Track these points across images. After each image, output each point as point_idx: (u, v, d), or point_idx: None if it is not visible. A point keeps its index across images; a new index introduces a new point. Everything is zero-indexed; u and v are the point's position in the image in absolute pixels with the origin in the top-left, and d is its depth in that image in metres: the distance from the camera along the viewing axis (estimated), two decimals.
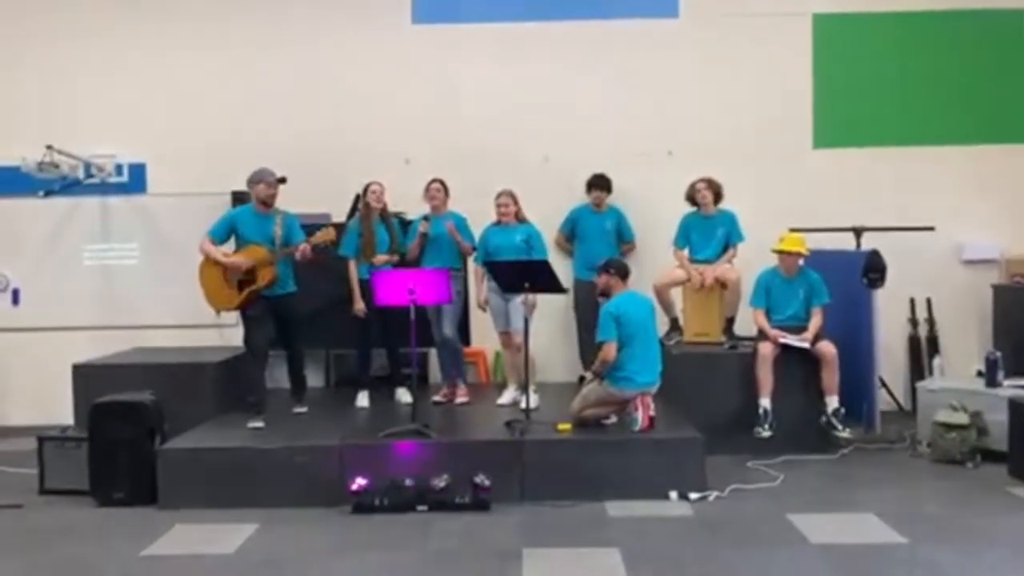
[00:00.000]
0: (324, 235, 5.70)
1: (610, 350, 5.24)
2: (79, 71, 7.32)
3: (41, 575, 4.10)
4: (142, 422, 5.10)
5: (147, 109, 7.30)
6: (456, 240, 6.03)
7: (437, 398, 6.18)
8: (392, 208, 6.31)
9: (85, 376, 6.03)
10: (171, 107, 7.30)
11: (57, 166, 6.81)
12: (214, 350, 6.68)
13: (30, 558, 4.31)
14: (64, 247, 7.35)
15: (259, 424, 5.54)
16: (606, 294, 5.46)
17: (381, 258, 6.03)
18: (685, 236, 6.52)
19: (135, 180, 7.32)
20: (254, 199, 5.75)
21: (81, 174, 7.11)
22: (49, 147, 6.73)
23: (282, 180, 5.72)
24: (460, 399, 6.13)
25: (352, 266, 6.08)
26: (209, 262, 5.65)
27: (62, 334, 7.16)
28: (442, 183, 6.16)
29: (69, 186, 7.08)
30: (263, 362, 5.81)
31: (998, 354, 5.84)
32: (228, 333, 7.09)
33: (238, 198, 7.10)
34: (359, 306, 6.01)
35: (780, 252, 5.93)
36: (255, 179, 5.68)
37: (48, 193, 7.04)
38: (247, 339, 5.81)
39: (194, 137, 7.22)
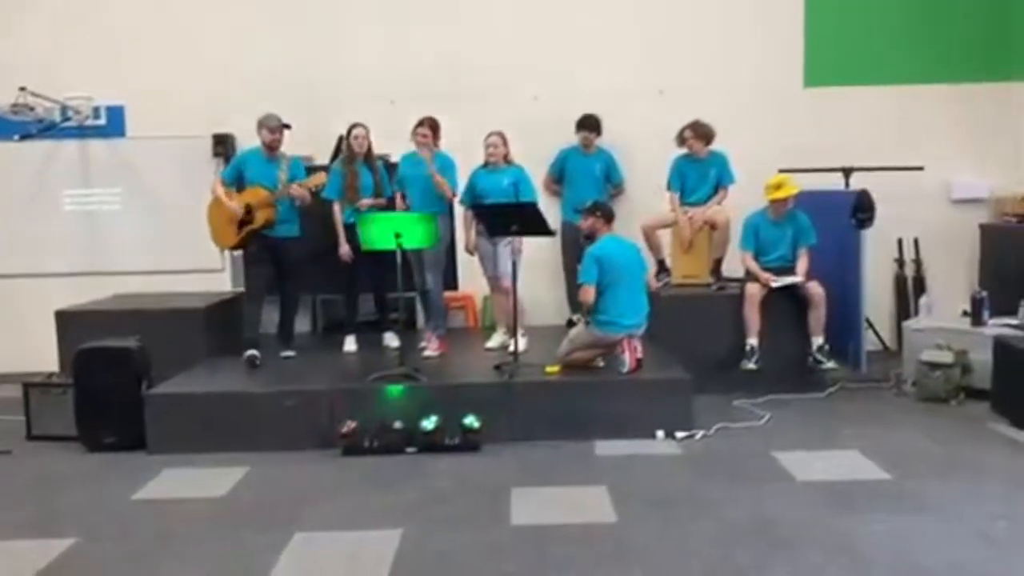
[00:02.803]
0: (317, 179, 5.79)
1: (588, 293, 5.25)
2: (53, 12, 7.11)
3: (34, 519, 4.11)
4: (128, 368, 5.08)
5: (124, 51, 7.11)
6: (439, 183, 5.85)
7: (423, 344, 6.12)
8: (378, 150, 6.22)
9: (69, 322, 5.98)
10: (149, 49, 7.10)
11: (32, 108, 6.66)
12: (200, 296, 6.62)
13: (22, 503, 4.33)
14: (44, 192, 7.22)
15: (254, 353, 5.71)
16: (591, 237, 5.42)
17: (366, 202, 5.97)
18: (678, 178, 6.43)
19: (114, 123, 7.16)
20: (260, 143, 5.82)
21: (57, 117, 6.96)
22: (22, 89, 6.57)
23: (286, 126, 5.80)
24: (430, 352, 5.88)
25: (336, 209, 6.03)
26: (217, 201, 5.81)
27: (43, 280, 7.08)
28: (430, 126, 5.90)
29: (46, 129, 6.92)
30: (259, 302, 5.88)
31: (984, 293, 5.87)
32: (211, 279, 7.08)
33: (219, 141, 7.03)
34: (344, 249, 5.98)
35: (777, 200, 5.86)
36: (260, 124, 5.76)
37: (24, 137, 6.88)
38: (245, 278, 6.00)
39: (173, 79, 7.06)
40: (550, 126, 6.92)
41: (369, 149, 6.06)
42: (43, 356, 6.13)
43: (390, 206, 6.03)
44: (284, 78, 6.96)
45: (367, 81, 7.02)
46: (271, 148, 5.80)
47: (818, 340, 5.79)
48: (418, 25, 7.11)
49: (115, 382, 5.04)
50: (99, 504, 4.27)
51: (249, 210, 5.72)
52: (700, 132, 6.26)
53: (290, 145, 5.98)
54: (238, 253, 6.36)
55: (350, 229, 5.88)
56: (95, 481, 4.60)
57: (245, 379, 5.41)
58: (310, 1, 7.11)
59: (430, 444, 4.82)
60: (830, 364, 5.80)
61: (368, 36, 7.11)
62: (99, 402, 5.04)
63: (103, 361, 5.07)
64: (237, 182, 5.83)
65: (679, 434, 5.00)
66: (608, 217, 5.41)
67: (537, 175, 6.52)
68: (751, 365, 5.74)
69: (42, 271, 7.15)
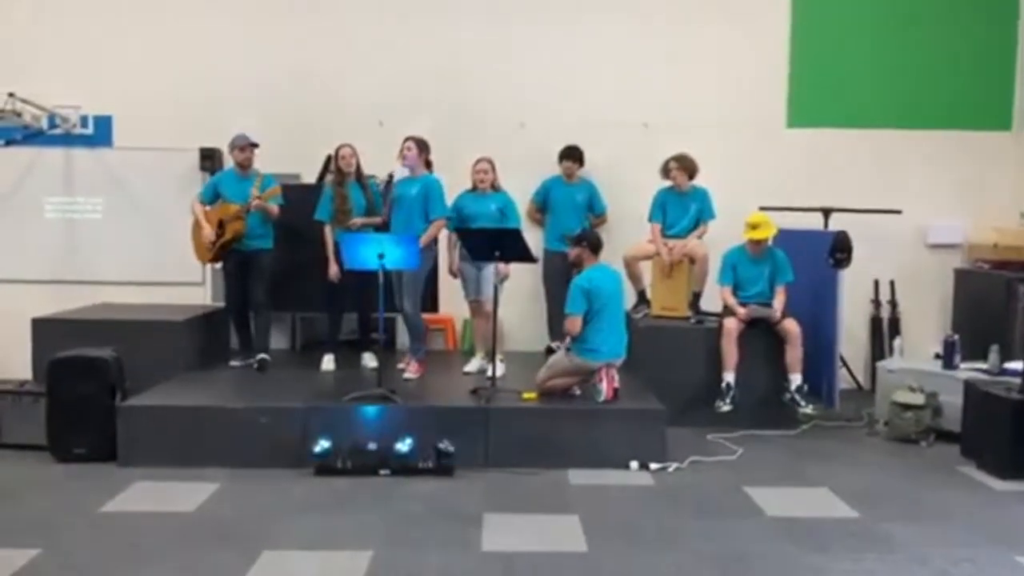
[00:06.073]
0: (271, 192, 6.01)
1: (574, 323, 5.27)
2: (45, 20, 7.12)
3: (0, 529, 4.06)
4: (102, 378, 5.04)
5: (115, 62, 7.12)
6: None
7: (401, 366, 6.11)
8: (366, 171, 6.24)
9: (45, 330, 5.92)
10: (140, 61, 7.13)
11: (19, 114, 6.66)
12: (179, 308, 6.59)
13: None
14: (25, 198, 7.18)
15: (236, 363, 6.13)
16: (577, 265, 5.47)
17: (358, 221, 5.98)
18: (660, 211, 6.50)
19: (101, 133, 7.16)
20: (232, 163, 6.15)
21: (44, 124, 6.96)
22: (11, 95, 6.56)
23: (254, 145, 6.08)
24: (408, 375, 5.87)
25: (327, 230, 6.04)
26: (197, 221, 6.12)
27: (20, 287, 7.04)
28: (416, 142, 5.86)
29: (32, 136, 6.91)
30: (238, 315, 6.22)
31: (956, 337, 5.96)
32: (191, 291, 7.07)
33: (205, 155, 7.05)
34: (333, 270, 5.98)
35: (754, 240, 5.95)
36: (230, 145, 6.08)
37: (9, 142, 6.86)
38: (224, 292, 6.27)
39: (162, 92, 7.09)
40: (535, 155, 7.00)
41: (358, 168, 6.09)
42: (17, 363, 6.08)
43: (384, 225, 6.03)
44: (273, 95, 7.04)
45: (354, 102, 7.07)
46: (243, 166, 6.07)
47: (796, 379, 5.81)
48: (408, 49, 7.18)
49: (88, 392, 5.00)
50: (66, 515, 4.22)
51: (220, 224, 5.98)
52: (685, 165, 6.34)
53: (278, 164, 6.07)
54: (219, 267, 6.40)
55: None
56: (63, 492, 4.55)
57: (220, 394, 5.38)
58: (301, 19, 7.16)
59: (404, 467, 4.81)
60: (808, 409, 5.79)
61: (358, 57, 7.17)
62: (71, 412, 4.98)
63: (77, 370, 5.03)
64: (214, 200, 6.07)
65: (653, 465, 5.02)
66: (595, 247, 5.44)
67: (521, 203, 6.57)
68: (725, 407, 5.75)
69: (19, 277, 7.10)
